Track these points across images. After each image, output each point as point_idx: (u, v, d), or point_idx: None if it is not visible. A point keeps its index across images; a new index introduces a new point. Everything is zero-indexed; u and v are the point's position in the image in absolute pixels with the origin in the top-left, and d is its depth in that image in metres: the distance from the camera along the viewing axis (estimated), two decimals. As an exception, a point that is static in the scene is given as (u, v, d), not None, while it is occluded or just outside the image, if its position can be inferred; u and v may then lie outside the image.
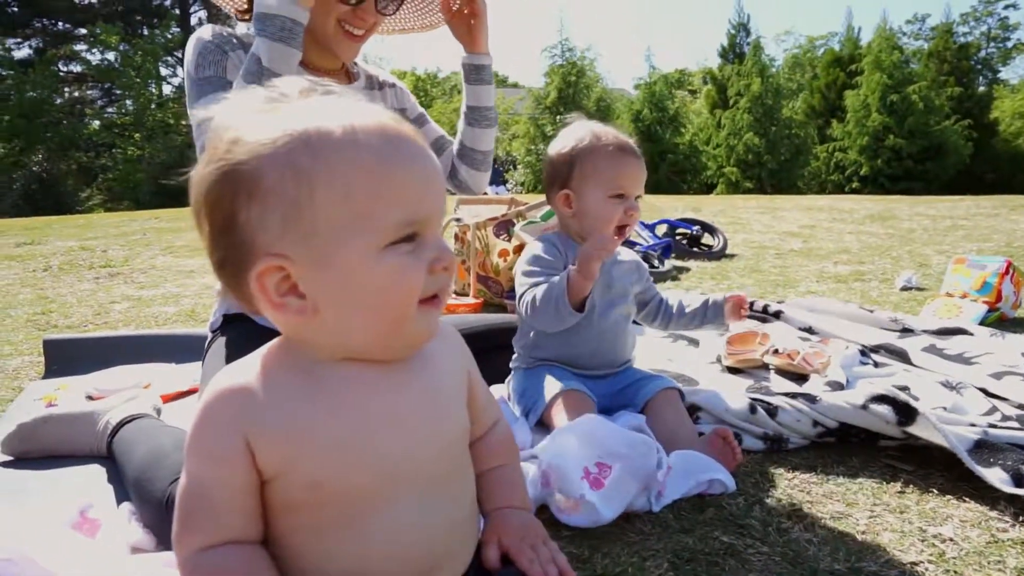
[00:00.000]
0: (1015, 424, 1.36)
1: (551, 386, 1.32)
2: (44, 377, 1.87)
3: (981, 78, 21.33)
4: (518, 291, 1.36)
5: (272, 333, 1.38)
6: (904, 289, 2.93)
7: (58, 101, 20.99)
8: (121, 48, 20.48)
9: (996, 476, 1.11)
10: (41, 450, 1.33)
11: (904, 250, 4.14)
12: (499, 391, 1.48)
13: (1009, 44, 26.91)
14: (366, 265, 0.56)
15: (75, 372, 1.85)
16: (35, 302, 2.93)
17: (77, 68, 22.68)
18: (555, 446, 1.09)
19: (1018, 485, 1.09)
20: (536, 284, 1.30)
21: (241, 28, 1.48)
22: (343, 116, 0.57)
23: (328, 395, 0.60)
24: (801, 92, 19.56)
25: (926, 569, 0.94)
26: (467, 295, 2.77)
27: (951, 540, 1.01)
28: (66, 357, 1.93)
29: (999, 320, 2.32)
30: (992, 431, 1.22)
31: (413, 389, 0.64)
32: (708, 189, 17.63)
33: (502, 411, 0.83)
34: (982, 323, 2.22)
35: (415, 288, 0.59)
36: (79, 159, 19.90)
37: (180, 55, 24.29)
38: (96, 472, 1.27)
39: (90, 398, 1.62)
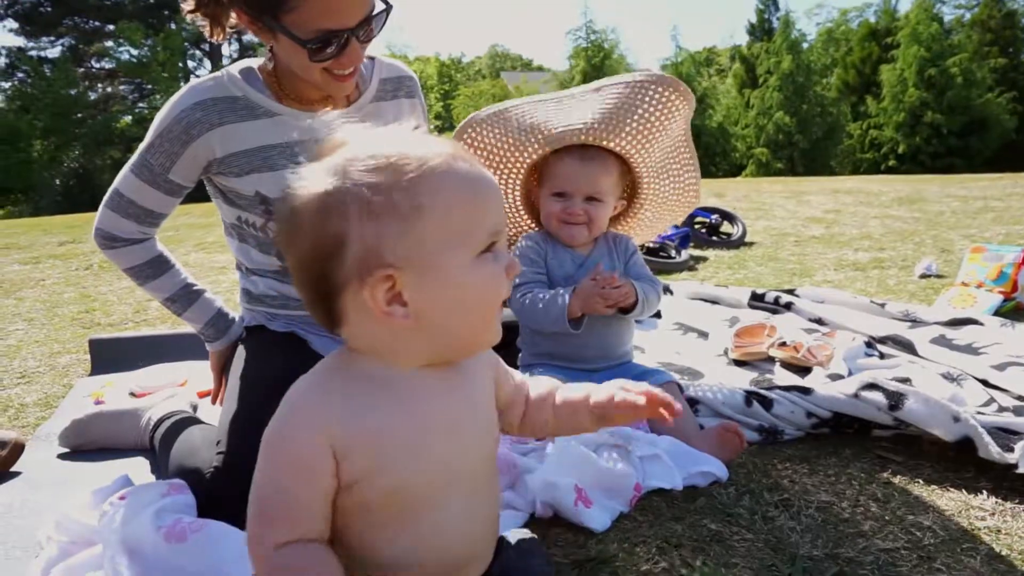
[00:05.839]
0: (1010, 414, 1.40)
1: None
2: (91, 374, 2.03)
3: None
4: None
5: (286, 339, 1.46)
6: (923, 277, 2.92)
7: (92, 97, 21.64)
8: (148, 43, 20.95)
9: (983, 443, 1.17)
10: (93, 443, 1.47)
11: (929, 235, 4.09)
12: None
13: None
14: (465, 273, 0.65)
15: (118, 369, 1.99)
16: (79, 300, 3.11)
17: (109, 64, 23.32)
18: (542, 480, 1.13)
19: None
20: (526, 285, 1.44)
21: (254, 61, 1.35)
22: (428, 143, 0.65)
23: (401, 404, 0.67)
24: (835, 68, 19.06)
25: (900, 555, 1.00)
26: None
27: (929, 528, 1.07)
28: (110, 355, 2.08)
29: (1015, 309, 2.31)
30: (978, 417, 1.27)
31: (462, 397, 0.72)
32: (737, 171, 17.39)
33: (525, 379, 0.88)
34: (997, 312, 2.22)
35: (503, 291, 0.68)
36: (113, 154, 20.50)
37: (206, 48, 24.66)
38: (141, 463, 1.40)
39: (133, 395, 1.75)
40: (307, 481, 0.63)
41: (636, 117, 1.41)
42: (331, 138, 0.66)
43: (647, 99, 1.41)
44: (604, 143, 1.42)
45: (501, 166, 1.54)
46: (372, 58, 1.41)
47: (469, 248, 0.65)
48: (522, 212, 1.63)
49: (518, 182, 1.55)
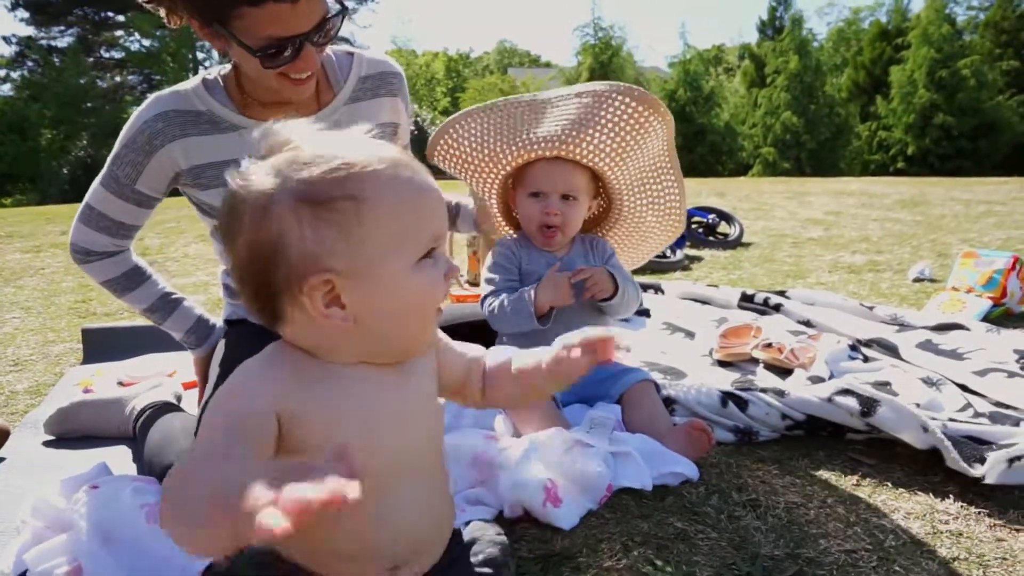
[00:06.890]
0: (984, 421, 1.41)
1: None
2: (83, 363, 2.05)
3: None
4: (482, 293, 1.51)
5: (266, 331, 1.49)
6: (916, 280, 2.92)
7: (102, 87, 21.76)
8: (158, 33, 21.07)
9: (950, 457, 1.19)
10: (78, 431, 1.49)
11: (927, 239, 4.08)
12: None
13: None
14: (404, 278, 0.65)
15: (110, 358, 2.02)
16: (77, 290, 3.14)
17: (118, 54, 23.44)
18: (511, 480, 1.14)
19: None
20: (495, 292, 1.46)
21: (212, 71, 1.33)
22: (374, 148, 0.65)
23: (346, 394, 0.68)
24: (845, 68, 18.91)
25: (860, 556, 1.02)
26: (478, 284, 2.87)
27: (893, 531, 1.08)
28: (102, 344, 2.10)
29: (1005, 315, 2.31)
30: (951, 424, 1.27)
31: (408, 390, 0.74)
32: (744, 170, 17.29)
33: (479, 354, 0.89)
34: (986, 318, 2.22)
35: (441, 297, 0.70)
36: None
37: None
38: (124, 452, 1.43)
39: (121, 384, 1.77)
40: (245, 430, 0.61)
41: (601, 131, 1.42)
42: (276, 136, 0.64)
43: (615, 112, 1.41)
44: (572, 156, 1.44)
45: (477, 174, 1.55)
46: (351, 54, 1.37)
47: (409, 254, 0.66)
48: (501, 220, 1.64)
49: (494, 190, 1.56)
